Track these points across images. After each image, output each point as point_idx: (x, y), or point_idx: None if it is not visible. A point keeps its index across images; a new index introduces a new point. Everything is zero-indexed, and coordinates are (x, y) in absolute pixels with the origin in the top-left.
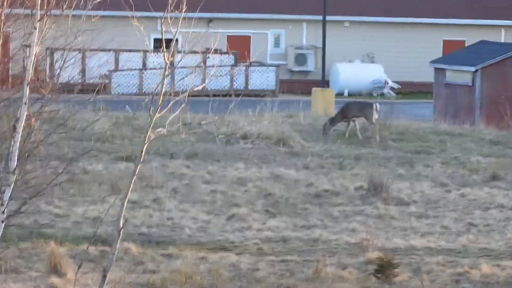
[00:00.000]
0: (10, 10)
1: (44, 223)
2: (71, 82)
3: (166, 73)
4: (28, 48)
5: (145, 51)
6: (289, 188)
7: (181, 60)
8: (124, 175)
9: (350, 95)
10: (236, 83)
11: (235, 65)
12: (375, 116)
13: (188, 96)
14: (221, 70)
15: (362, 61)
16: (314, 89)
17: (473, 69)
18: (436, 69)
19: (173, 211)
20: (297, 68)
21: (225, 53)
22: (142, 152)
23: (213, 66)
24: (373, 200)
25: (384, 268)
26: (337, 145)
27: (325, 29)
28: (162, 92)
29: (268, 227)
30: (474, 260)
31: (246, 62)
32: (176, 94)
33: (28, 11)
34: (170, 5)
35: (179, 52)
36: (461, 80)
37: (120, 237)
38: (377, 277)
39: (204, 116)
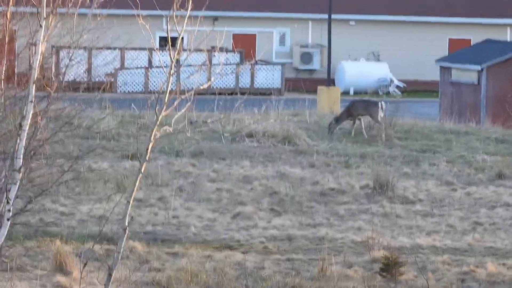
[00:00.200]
0: (15, 8)
1: (50, 222)
2: (77, 80)
3: (172, 71)
4: (34, 46)
5: (150, 50)
6: (295, 186)
7: (186, 58)
8: (129, 173)
9: (355, 93)
10: (242, 81)
11: (240, 63)
12: (381, 114)
13: (194, 94)
14: (226, 69)
15: (367, 59)
16: (319, 87)
17: (478, 67)
18: (441, 67)
19: (178, 209)
20: (302, 67)
21: (230, 51)
22: (147, 150)
23: (218, 64)
24: (379, 199)
25: (389, 267)
26: (343, 144)
27: (331, 28)
28: (168, 90)
29: (273, 226)
30: (479, 259)
31: (252, 60)
32: (182, 92)
33: (34, 9)
34: (176, 4)
35: (184, 50)
36: (467, 79)
37: (126, 236)
38: (382, 275)
39: (210, 115)
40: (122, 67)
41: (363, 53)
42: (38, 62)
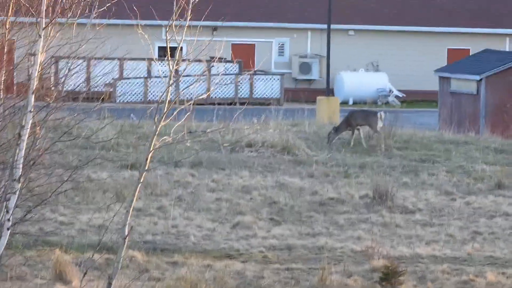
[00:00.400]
0: (15, 18)
1: (49, 231)
2: (76, 90)
3: (171, 81)
4: (33, 56)
5: (150, 60)
6: (294, 196)
7: (185, 68)
8: (129, 183)
9: (354, 103)
10: (241, 91)
11: (239, 73)
12: (380, 124)
13: (193, 104)
14: (225, 79)
15: (366, 69)
16: (318, 97)
17: (477, 77)
18: (440, 77)
19: (178, 219)
20: (301, 77)
21: (229, 61)
22: (147, 160)
23: (217, 74)
24: (378, 208)
25: (389, 276)
26: (342, 154)
27: (330, 38)
28: (167, 100)
29: (273, 235)
30: (479, 268)
31: (251, 70)
32: (181, 102)
33: (33, 19)
34: (175, 14)
35: (184, 60)
36: (466, 89)
37: (125, 245)
38: (382, 285)
39: (209, 124)
40: (121, 77)
41: (362, 63)
42: (37, 72)
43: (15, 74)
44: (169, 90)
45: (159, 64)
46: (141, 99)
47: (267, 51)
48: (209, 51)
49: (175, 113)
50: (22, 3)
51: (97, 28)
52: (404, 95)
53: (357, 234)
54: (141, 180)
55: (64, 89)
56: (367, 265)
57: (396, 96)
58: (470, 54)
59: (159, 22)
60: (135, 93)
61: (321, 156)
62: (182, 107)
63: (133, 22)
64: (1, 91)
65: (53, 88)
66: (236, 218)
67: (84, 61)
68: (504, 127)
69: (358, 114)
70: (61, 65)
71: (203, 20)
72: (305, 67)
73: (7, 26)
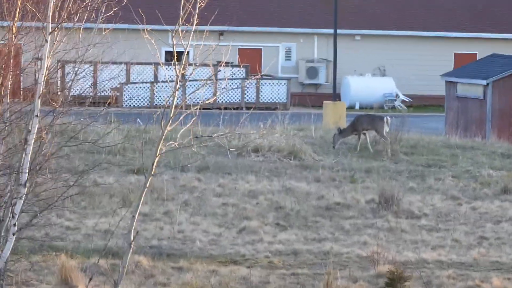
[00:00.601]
0: (21, 23)
1: (55, 236)
2: (83, 94)
3: (178, 86)
4: (39, 60)
5: (156, 64)
6: (300, 201)
7: (192, 73)
8: (135, 187)
9: (361, 108)
10: (247, 96)
11: (246, 78)
12: (386, 129)
13: (199, 109)
14: (232, 83)
15: (373, 74)
16: (325, 102)
17: (484, 82)
18: (447, 82)
19: (184, 223)
20: (308, 81)
21: (236, 66)
22: (153, 164)
23: (224, 79)
24: (384, 213)
25: (395, 282)
26: (348, 158)
27: (336, 43)
28: (174, 105)
29: (279, 240)
30: (485, 274)
31: (258, 75)
32: (188, 107)
33: (40, 24)
34: (182, 18)
35: (190, 65)
36: (473, 94)
37: (131, 250)
38: None
39: (215, 129)
40: (128, 81)
41: (368, 68)
42: (43, 76)
43: (21, 78)
44: (176, 95)
45: (166, 68)
46: (147, 104)
47: (274, 55)
48: (215, 55)
49: (181, 117)
50: (29, 8)
51: (104, 33)
52: (411, 100)
53: (363, 239)
54: (147, 185)
55: (71, 93)
56: (373, 270)
57: (403, 101)
58: (477, 58)
59: (165, 27)
60: (141, 98)
61: (328, 161)
62: (189, 111)
63: (140, 26)
64: (8, 95)
65: (59, 93)
66: (242, 223)
67: (91, 65)
68: (510, 132)
69: (365, 119)
70: (68, 69)
71: (209, 25)
72: (312, 72)
73: (13, 30)
